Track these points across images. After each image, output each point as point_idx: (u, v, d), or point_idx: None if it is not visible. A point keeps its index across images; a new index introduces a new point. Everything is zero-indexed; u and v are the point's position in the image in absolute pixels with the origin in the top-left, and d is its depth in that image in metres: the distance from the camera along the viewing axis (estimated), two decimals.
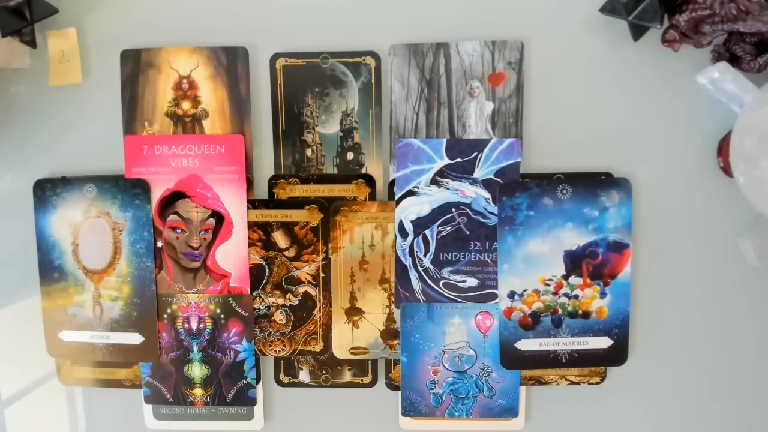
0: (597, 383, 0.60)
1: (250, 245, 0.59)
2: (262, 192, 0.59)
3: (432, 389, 0.59)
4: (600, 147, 0.57)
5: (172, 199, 0.58)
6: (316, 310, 0.59)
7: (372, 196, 0.58)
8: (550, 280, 0.57)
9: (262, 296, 0.59)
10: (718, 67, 0.52)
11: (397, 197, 0.57)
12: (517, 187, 0.56)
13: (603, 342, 0.58)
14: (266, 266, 0.59)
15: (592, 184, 0.56)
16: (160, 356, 0.60)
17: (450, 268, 0.58)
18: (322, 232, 0.58)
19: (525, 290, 0.57)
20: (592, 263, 0.57)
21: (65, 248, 0.59)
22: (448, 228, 0.57)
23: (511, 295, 0.57)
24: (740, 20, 0.51)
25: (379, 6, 0.57)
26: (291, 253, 0.59)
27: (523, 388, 0.60)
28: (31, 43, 0.56)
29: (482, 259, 0.58)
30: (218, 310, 0.59)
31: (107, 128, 0.59)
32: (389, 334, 0.59)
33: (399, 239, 0.58)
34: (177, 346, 0.60)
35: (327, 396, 0.61)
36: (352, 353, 0.59)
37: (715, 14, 0.52)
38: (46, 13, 0.56)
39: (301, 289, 0.59)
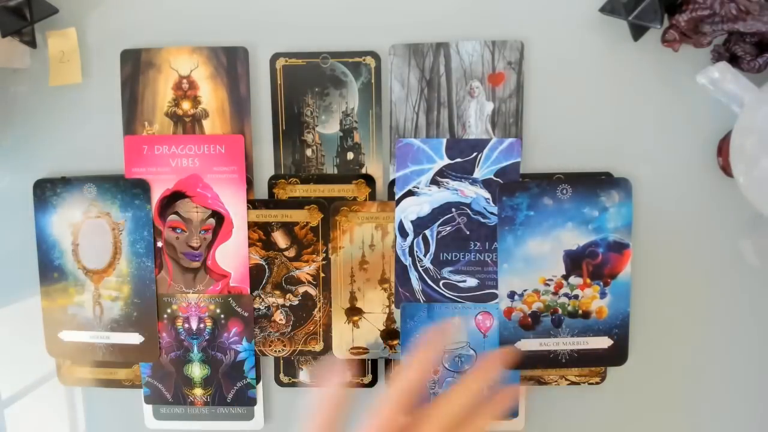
0: (597, 383, 0.60)
1: (250, 245, 0.59)
2: (262, 192, 0.59)
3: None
4: (600, 147, 0.57)
5: (172, 199, 0.58)
6: (316, 310, 0.59)
7: (372, 196, 0.58)
8: (550, 280, 0.57)
9: (262, 296, 0.59)
10: (718, 67, 0.52)
11: (397, 197, 0.57)
12: (517, 187, 0.57)
13: (603, 342, 0.58)
14: (266, 266, 0.59)
15: (592, 184, 0.56)
16: (160, 356, 0.60)
17: (450, 268, 0.58)
18: (322, 232, 0.58)
19: (525, 290, 0.57)
20: (592, 263, 0.57)
21: (65, 248, 0.59)
22: (448, 228, 0.57)
23: (511, 295, 0.57)
24: (740, 20, 0.51)
25: (379, 6, 0.57)
26: (291, 253, 0.59)
27: (523, 388, 0.60)
28: (31, 43, 0.57)
29: (482, 259, 0.58)
30: (218, 310, 0.59)
31: (107, 128, 0.59)
32: (389, 334, 0.59)
33: (399, 239, 0.58)
34: (177, 346, 0.60)
35: None
36: (352, 353, 0.59)
37: (715, 14, 0.52)
38: (46, 13, 0.56)
39: (301, 289, 0.59)
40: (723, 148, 0.56)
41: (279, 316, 0.59)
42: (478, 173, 0.57)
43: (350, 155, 0.58)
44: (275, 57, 0.57)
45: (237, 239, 0.58)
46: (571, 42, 0.57)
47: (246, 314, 0.59)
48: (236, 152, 0.58)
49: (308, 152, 0.58)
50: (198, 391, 0.61)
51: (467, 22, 0.57)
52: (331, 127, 0.58)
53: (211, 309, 0.60)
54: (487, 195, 0.57)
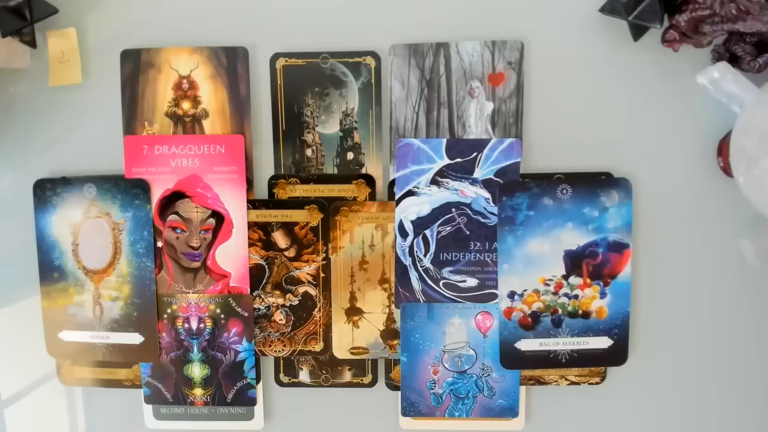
0: (597, 383, 0.60)
1: (250, 245, 0.59)
2: (262, 192, 0.59)
3: (432, 389, 0.59)
4: (600, 147, 0.57)
5: (172, 199, 0.58)
6: (316, 310, 0.59)
7: (372, 196, 0.58)
8: (550, 280, 0.57)
9: (262, 296, 0.59)
10: (718, 67, 0.52)
11: (397, 197, 0.57)
12: (517, 187, 0.56)
13: (603, 342, 0.58)
14: (266, 266, 0.59)
15: (592, 184, 0.56)
16: (160, 356, 0.60)
17: (450, 268, 0.58)
18: (322, 232, 0.58)
19: (525, 290, 0.57)
20: (592, 263, 0.57)
21: (65, 248, 0.59)
22: (448, 228, 0.57)
23: (511, 295, 0.57)
24: (740, 20, 0.51)
25: (379, 6, 0.57)
26: (291, 253, 0.59)
27: (523, 388, 0.60)
28: (31, 43, 0.56)
29: (482, 259, 0.58)
30: (218, 310, 0.59)
31: (107, 128, 0.59)
32: (389, 334, 0.59)
33: (399, 239, 0.58)
34: (177, 346, 0.60)
35: (327, 396, 0.61)
36: (352, 353, 0.59)
37: (715, 14, 0.52)
38: (46, 13, 0.56)
39: (301, 289, 0.59)
40: (723, 148, 0.56)
41: (279, 316, 0.59)
42: (478, 173, 0.57)
43: (350, 155, 0.58)
44: (275, 57, 0.57)
45: (237, 239, 0.58)
46: (571, 42, 0.57)
47: (246, 314, 0.59)
48: (236, 152, 0.58)
49: (308, 152, 0.58)
50: (198, 391, 0.61)
51: (467, 22, 0.56)
52: (331, 127, 0.58)
53: (211, 309, 0.60)
54: (487, 195, 0.57)
